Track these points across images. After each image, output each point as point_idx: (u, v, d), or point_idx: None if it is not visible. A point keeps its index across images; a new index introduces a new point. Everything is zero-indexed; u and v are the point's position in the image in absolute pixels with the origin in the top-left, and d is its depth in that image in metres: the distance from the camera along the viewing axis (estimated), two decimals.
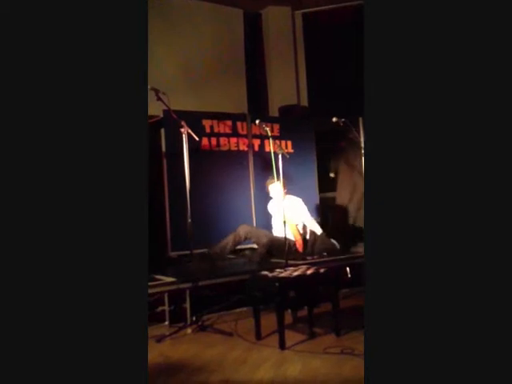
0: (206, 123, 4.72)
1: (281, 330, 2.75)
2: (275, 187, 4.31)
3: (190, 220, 3.32)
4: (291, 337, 2.85)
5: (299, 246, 4.26)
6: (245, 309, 3.45)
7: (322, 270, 3.09)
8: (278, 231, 4.32)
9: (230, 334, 3.03)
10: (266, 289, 2.92)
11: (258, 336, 2.94)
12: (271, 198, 4.50)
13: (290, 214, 4.17)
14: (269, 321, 2.94)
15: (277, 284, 2.81)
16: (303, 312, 3.21)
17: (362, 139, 4.58)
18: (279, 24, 6.16)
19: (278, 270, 3.09)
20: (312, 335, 2.95)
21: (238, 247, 4.40)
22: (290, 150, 5.15)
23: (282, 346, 2.72)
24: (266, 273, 3.02)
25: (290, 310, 3.25)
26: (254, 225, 4.83)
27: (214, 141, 4.73)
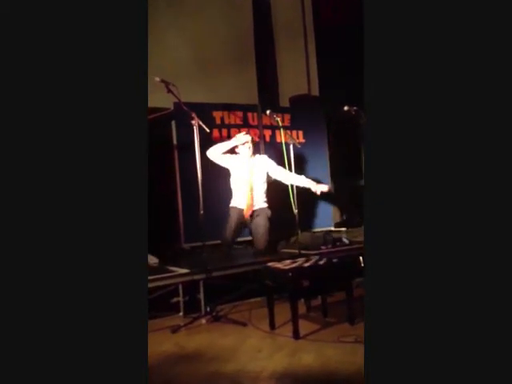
0: (217, 115, 4.72)
1: (295, 319, 2.76)
2: (245, 139, 3.94)
3: (202, 212, 3.34)
4: (305, 326, 2.86)
5: (247, 212, 3.98)
6: (258, 299, 3.47)
7: (334, 260, 3.09)
8: (240, 195, 4.02)
9: (244, 324, 3.05)
10: (279, 279, 2.93)
11: (272, 325, 2.95)
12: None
13: (259, 174, 4.02)
14: (283, 310, 2.95)
15: (290, 274, 2.82)
16: (317, 301, 3.22)
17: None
18: (289, 11, 6.10)
19: (289, 260, 3.09)
20: (326, 324, 2.96)
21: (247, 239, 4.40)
22: (302, 139, 5.13)
23: (297, 335, 2.73)
24: (278, 264, 3.02)
25: (303, 300, 3.26)
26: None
27: (224, 132, 4.73)
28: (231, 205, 4.09)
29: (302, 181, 3.93)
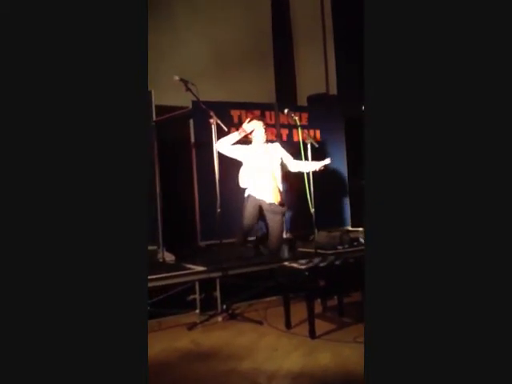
0: (235, 113, 4.73)
1: (311, 319, 2.75)
2: (259, 127, 3.82)
3: (219, 210, 3.35)
4: (321, 326, 2.85)
5: (276, 197, 3.83)
6: (274, 298, 3.47)
7: (351, 260, 3.08)
8: (263, 188, 3.82)
9: (260, 323, 3.05)
10: (296, 278, 2.93)
11: (288, 325, 2.95)
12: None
13: (276, 161, 3.93)
14: (299, 309, 2.95)
15: (306, 273, 2.81)
16: (333, 301, 3.21)
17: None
18: (307, 10, 6.08)
19: (305, 260, 3.09)
20: (342, 324, 2.94)
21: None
22: (319, 138, 5.11)
23: (313, 335, 2.72)
24: (294, 263, 3.01)
25: (319, 299, 3.25)
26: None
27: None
28: (250, 193, 3.86)
29: (308, 166, 3.86)
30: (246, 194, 3.90)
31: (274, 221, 3.88)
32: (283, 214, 3.95)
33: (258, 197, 3.85)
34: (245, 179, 3.91)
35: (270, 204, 3.85)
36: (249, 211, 3.85)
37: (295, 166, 3.99)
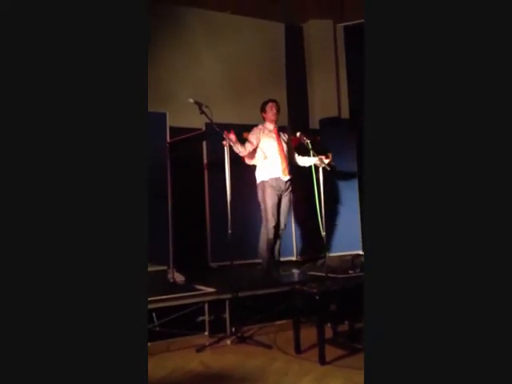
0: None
1: (321, 344, 2.72)
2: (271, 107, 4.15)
3: (230, 231, 3.35)
4: (332, 351, 2.81)
5: (285, 171, 4.03)
6: (284, 321, 3.43)
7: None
8: (277, 164, 4.03)
9: (269, 347, 3.01)
10: (307, 302, 2.90)
11: (298, 349, 2.91)
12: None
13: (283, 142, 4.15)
14: (309, 334, 2.91)
15: (317, 297, 2.78)
16: (344, 326, 3.17)
17: None
18: (321, 37, 6.17)
19: (316, 283, 3.06)
20: (354, 350, 2.89)
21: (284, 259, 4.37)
22: (330, 162, 5.12)
23: (322, 360, 2.68)
24: (305, 286, 2.99)
25: (330, 324, 3.20)
26: (294, 239, 4.84)
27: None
28: (270, 177, 3.97)
29: (310, 160, 4.10)
30: (258, 180, 4.00)
31: (287, 199, 4.02)
32: (291, 198, 4.10)
33: (274, 175, 3.96)
34: (257, 159, 4.05)
35: (286, 182, 4.00)
36: (273, 198, 3.93)
37: (301, 159, 4.21)
